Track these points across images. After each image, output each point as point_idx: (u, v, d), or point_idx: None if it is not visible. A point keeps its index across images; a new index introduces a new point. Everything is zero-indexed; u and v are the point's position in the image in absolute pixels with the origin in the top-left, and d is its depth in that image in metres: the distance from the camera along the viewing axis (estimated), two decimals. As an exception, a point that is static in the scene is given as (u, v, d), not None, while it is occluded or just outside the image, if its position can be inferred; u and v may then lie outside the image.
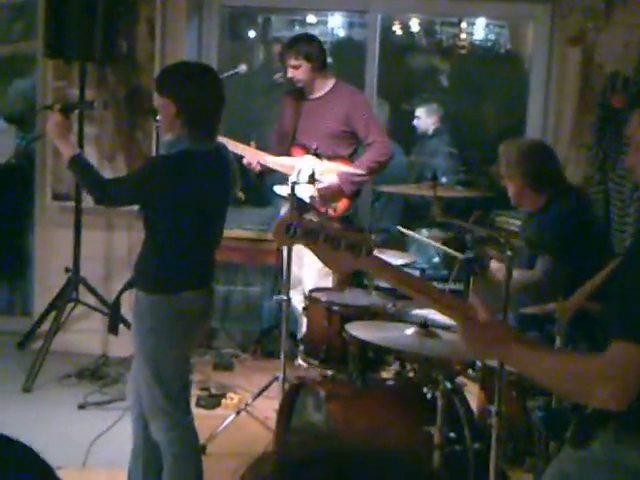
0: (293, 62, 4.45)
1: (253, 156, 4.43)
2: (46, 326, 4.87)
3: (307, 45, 4.48)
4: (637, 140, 1.99)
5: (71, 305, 4.87)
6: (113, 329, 4.54)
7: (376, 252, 1.93)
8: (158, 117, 3.17)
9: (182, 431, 3.03)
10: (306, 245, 1.80)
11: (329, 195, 4.44)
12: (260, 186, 5.30)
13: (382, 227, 5.73)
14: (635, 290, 1.78)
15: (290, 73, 4.49)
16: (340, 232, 1.82)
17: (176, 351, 2.99)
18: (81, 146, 4.71)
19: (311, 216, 1.76)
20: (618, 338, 1.73)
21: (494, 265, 3.42)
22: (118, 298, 3.54)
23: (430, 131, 6.37)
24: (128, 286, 3.21)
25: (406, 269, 3.50)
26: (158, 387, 2.95)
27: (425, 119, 6.37)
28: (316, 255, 1.82)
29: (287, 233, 1.77)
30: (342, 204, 4.53)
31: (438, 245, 4.02)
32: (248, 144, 4.48)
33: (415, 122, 6.40)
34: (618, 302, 1.83)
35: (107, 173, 3.22)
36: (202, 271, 3.02)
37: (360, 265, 1.85)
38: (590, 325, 3.12)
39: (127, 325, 3.91)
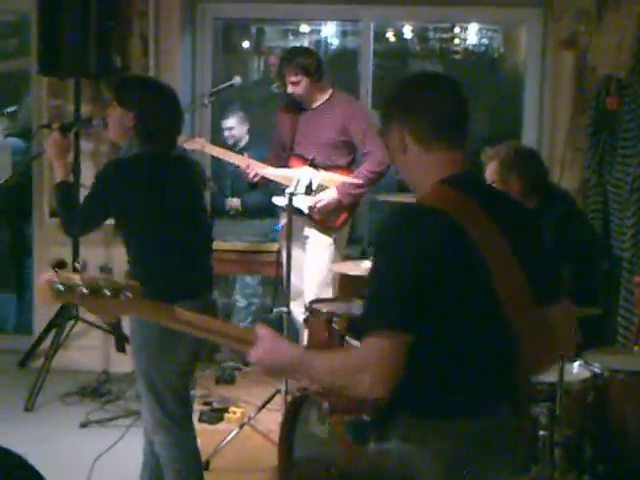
0: (293, 79, 4.42)
1: (251, 166, 4.45)
2: (47, 344, 4.86)
3: (305, 59, 4.44)
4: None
5: (71, 322, 4.87)
6: (120, 347, 4.56)
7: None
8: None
9: (183, 449, 3.01)
10: (72, 302, 1.82)
11: (329, 209, 4.45)
12: (252, 195, 5.30)
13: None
14: (370, 290, 1.91)
15: (290, 89, 4.46)
16: (98, 282, 1.81)
17: (167, 365, 2.94)
18: (77, 162, 4.72)
19: (67, 272, 1.79)
20: (365, 331, 1.87)
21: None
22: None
23: (244, 141, 5.64)
24: None
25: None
26: (154, 400, 2.95)
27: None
28: (86, 309, 1.83)
29: (52, 293, 1.76)
30: (341, 216, 4.53)
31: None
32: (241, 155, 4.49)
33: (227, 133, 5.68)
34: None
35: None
36: (192, 281, 2.94)
37: (129, 310, 1.88)
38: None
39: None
